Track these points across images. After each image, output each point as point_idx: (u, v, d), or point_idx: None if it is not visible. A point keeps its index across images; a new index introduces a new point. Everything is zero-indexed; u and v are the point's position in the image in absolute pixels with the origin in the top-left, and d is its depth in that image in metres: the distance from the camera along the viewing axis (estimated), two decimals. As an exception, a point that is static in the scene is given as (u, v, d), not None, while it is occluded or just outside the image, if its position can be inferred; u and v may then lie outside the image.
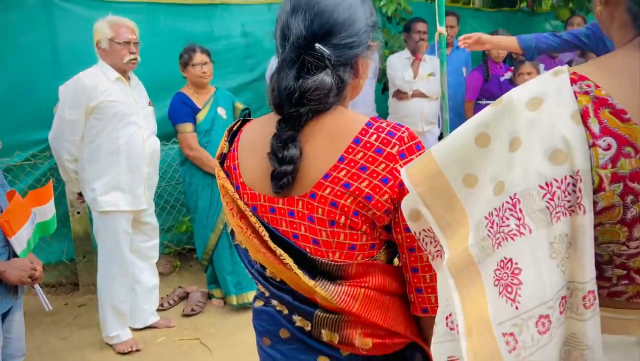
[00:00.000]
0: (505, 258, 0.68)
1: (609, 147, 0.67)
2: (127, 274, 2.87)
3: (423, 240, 0.84)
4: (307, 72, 0.94)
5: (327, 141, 0.94)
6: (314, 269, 0.98)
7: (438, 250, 0.82)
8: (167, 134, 3.72)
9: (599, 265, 0.74)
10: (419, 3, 4.78)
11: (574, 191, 0.66)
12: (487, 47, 3.08)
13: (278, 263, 0.98)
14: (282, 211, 1.00)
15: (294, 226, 0.99)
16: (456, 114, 4.56)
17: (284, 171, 0.94)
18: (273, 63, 4.08)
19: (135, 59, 2.72)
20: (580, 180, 0.66)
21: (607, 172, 0.67)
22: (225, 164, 1.11)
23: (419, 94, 4.03)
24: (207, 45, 3.25)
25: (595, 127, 0.67)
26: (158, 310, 3.17)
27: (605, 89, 0.69)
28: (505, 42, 2.97)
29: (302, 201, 0.97)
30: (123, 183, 2.74)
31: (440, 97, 3.05)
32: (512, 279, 0.67)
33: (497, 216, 0.69)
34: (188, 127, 3.14)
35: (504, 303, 0.67)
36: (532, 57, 2.97)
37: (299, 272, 0.96)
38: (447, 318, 0.76)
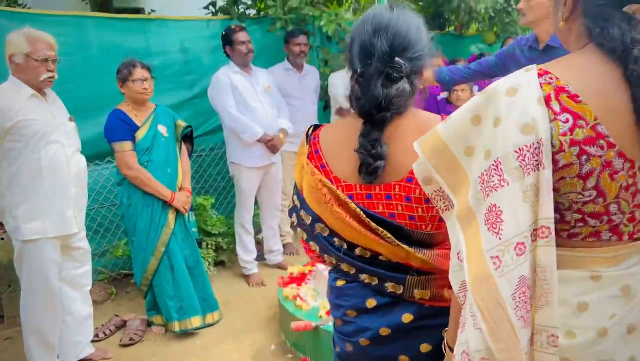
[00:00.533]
0: (492, 204, 0.92)
1: (567, 121, 0.90)
2: (56, 305, 2.61)
3: (434, 198, 1.10)
4: (390, 82, 1.19)
5: (416, 136, 1.08)
6: (410, 240, 1.24)
7: (446, 205, 1.08)
8: (100, 153, 3.53)
9: (560, 211, 0.96)
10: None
11: (538, 154, 0.89)
12: None
13: (379, 239, 1.23)
14: (379, 196, 1.24)
15: (391, 207, 1.24)
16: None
17: (378, 165, 1.19)
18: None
19: (52, 77, 2.50)
20: (543, 145, 0.89)
21: (566, 138, 0.90)
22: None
23: (360, 112, 4.08)
24: (144, 61, 3.11)
25: (556, 107, 0.91)
26: (93, 341, 2.94)
27: (563, 79, 0.92)
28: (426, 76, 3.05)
29: (399, 185, 1.22)
30: (49, 206, 2.50)
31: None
32: (496, 218, 0.92)
33: (486, 175, 0.93)
34: (126, 145, 2.98)
35: (491, 235, 0.92)
36: (447, 88, 3.22)
37: (399, 243, 1.22)
38: (457, 253, 1.01)
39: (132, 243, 3.16)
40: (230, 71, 3.62)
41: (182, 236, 3.19)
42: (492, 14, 5.68)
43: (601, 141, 0.89)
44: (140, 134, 3.03)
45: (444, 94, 4.15)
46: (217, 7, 4.83)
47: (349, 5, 5.07)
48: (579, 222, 0.96)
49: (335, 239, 1.30)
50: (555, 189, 0.92)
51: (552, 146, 0.90)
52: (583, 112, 0.90)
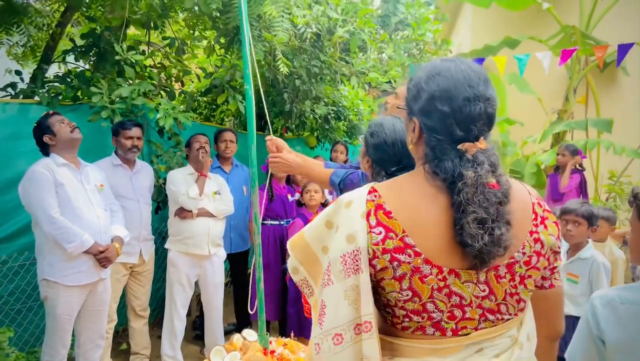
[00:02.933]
0: (322, 299, 1.11)
1: (380, 233, 1.07)
2: None
3: (301, 286, 1.24)
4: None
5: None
6: None
7: (311, 292, 1.22)
8: None
9: (391, 307, 1.12)
10: (194, 123, 4.54)
11: (358, 260, 1.06)
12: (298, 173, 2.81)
13: None
14: None
15: None
16: (238, 234, 4.30)
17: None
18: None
19: None
20: (361, 253, 1.06)
21: (379, 247, 1.07)
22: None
23: (204, 213, 3.64)
24: None
25: (373, 222, 1.08)
26: None
27: (383, 198, 1.10)
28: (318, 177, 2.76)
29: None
30: None
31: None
32: (322, 311, 1.10)
33: (326, 271, 1.11)
34: None
35: (317, 326, 1.11)
36: (338, 191, 2.95)
37: None
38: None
39: None
40: (55, 163, 2.89)
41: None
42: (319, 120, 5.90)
43: (409, 250, 1.06)
44: None
45: (296, 196, 4.00)
46: (18, 90, 4.02)
47: (182, 99, 4.73)
48: (405, 317, 1.11)
49: None
50: (382, 288, 1.10)
51: (368, 253, 1.07)
52: (393, 226, 1.07)
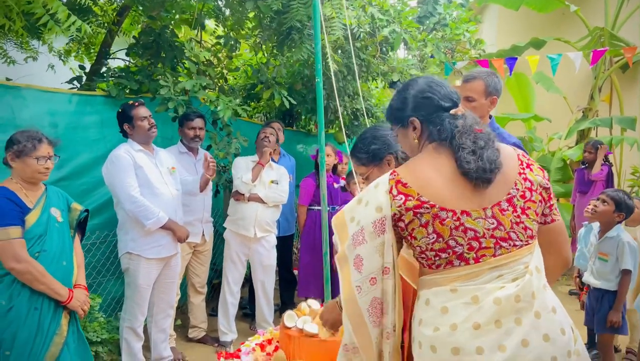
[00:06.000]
0: (357, 255, 1.52)
1: (401, 199, 1.47)
2: None
3: (338, 248, 1.61)
4: None
5: None
6: None
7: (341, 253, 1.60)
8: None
9: (424, 252, 1.50)
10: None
11: (384, 225, 1.48)
12: None
13: None
14: None
15: None
16: (285, 219, 4.59)
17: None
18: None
19: None
20: (386, 220, 1.48)
21: (402, 208, 1.47)
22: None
23: (255, 198, 3.93)
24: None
25: (395, 192, 1.48)
26: None
27: (400, 175, 1.51)
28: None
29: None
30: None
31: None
32: (359, 262, 1.52)
33: (354, 234, 1.53)
34: (13, 231, 2.34)
35: (357, 272, 1.52)
36: None
37: None
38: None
39: (5, 359, 2.39)
40: (132, 148, 3.21)
41: (75, 347, 2.54)
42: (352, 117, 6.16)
43: (425, 205, 1.45)
44: (31, 219, 2.43)
45: (341, 183, 4.28)
46: (83, 83, 4.35)
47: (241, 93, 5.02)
48: (435, 257, 1.48)
49: None
50: (414, 237, 1.49)
51: (395, 215, 1.48)
52: (410, 192, 1.47)
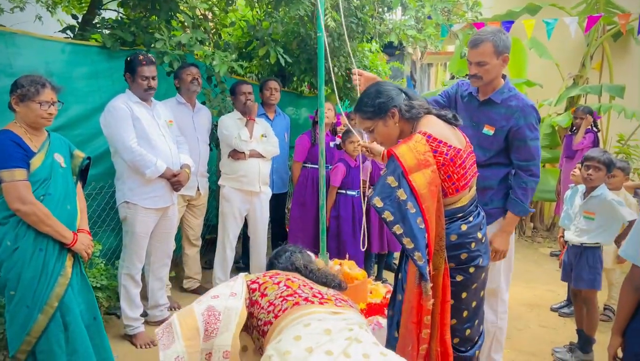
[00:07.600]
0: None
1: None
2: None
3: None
4: None
5: None
6: None
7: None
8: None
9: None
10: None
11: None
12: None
13: None
14: None
15: None
16: (279, 176, 4.66)
17: None
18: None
19: None
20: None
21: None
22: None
23: (255, 154, 3.98)
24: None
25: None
26: None
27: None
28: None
29: None
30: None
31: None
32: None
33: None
34: (19, 173, 2.38)
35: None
36: None
37: None
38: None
39: (10, 298, 2.47)
40: (130, 100, 3.23)
41: (79, 288, 2.63)
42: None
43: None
44: (36, 162, 2.47)
45: (337, 141, 4.34)
46: (76, 33, 4.30)
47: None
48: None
49: None
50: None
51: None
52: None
